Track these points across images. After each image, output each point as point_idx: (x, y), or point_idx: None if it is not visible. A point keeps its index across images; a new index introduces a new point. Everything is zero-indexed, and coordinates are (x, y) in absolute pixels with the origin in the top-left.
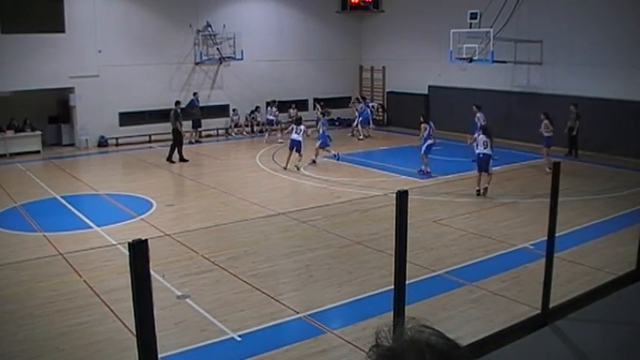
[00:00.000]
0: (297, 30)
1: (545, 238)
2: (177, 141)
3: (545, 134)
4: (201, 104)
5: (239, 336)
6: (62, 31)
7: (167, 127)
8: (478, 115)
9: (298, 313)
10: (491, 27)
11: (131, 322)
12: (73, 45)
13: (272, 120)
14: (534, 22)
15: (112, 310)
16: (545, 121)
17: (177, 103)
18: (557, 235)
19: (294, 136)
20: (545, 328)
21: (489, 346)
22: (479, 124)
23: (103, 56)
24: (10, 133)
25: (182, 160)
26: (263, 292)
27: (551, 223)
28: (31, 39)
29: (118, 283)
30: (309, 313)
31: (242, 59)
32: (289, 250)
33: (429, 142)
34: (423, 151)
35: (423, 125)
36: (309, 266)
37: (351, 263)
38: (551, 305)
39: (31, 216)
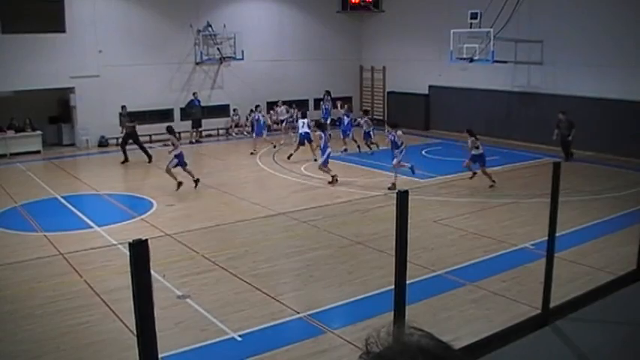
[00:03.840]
0: (298, 30)
1: (546, 238)
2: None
3: (473, 152)
4: (201, 104)
5: (239, 336)
6: (62, 31)
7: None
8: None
9: (298, 313)
10: (491, 27)
11: (131, 322)
12: (73, 45)
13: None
14: (535, 22)
15: (112, 310)
16: (472, 138)
17: (123, 107)
18: (557, 235)
19: (305, 129)
20: (545, 328)
21: (490, 346)
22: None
23: (104, 56)
24: (10, 133)
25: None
26: (263, 292)
27: (552, 223)
28: (31, 39)
29: (118, 283)
30: (309, 313)
31: (242, 59)
32: (289, 250)
33: (328, 150)
34: (322, 163)
35: (317, 134)
36: (310, 266)
37: (352, 263)
38: (551, 305)
39: (31, 216)
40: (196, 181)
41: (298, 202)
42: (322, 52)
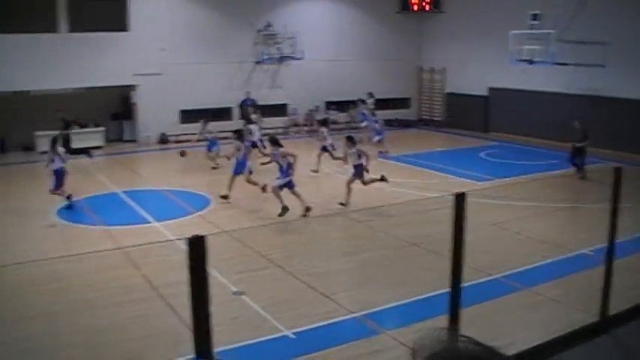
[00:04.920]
0: (357, 30)
1: (605, 244)
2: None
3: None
4: (260, 103)
5: (293, 333)
6: (126, 29)
7: (226, 125)
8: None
9: (353, 312)
10: (552, 28)
11: (187, 317)
12: (136, 43)
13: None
14: (597, 24)
15: (168, 304)
16: (355, 147)
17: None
18: (617, 241)
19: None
20: (603, 336)
21: (546, 352)
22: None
23: (166, 54)
24: (75, 128)
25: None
26: (318, 291)
27: (612, 229)
28: (96, 37)
29: (174, 277)
30: (363, 313)
31: (302, 59)
32: (345, 249)
33: (248, 162)
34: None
35: (236, 143)
36: (365, 266)
37: (407, 264)
38: (610, 313)
39: (92, 210)
40: (69, 197)
41: (354, 202)
42: (381, 53)
